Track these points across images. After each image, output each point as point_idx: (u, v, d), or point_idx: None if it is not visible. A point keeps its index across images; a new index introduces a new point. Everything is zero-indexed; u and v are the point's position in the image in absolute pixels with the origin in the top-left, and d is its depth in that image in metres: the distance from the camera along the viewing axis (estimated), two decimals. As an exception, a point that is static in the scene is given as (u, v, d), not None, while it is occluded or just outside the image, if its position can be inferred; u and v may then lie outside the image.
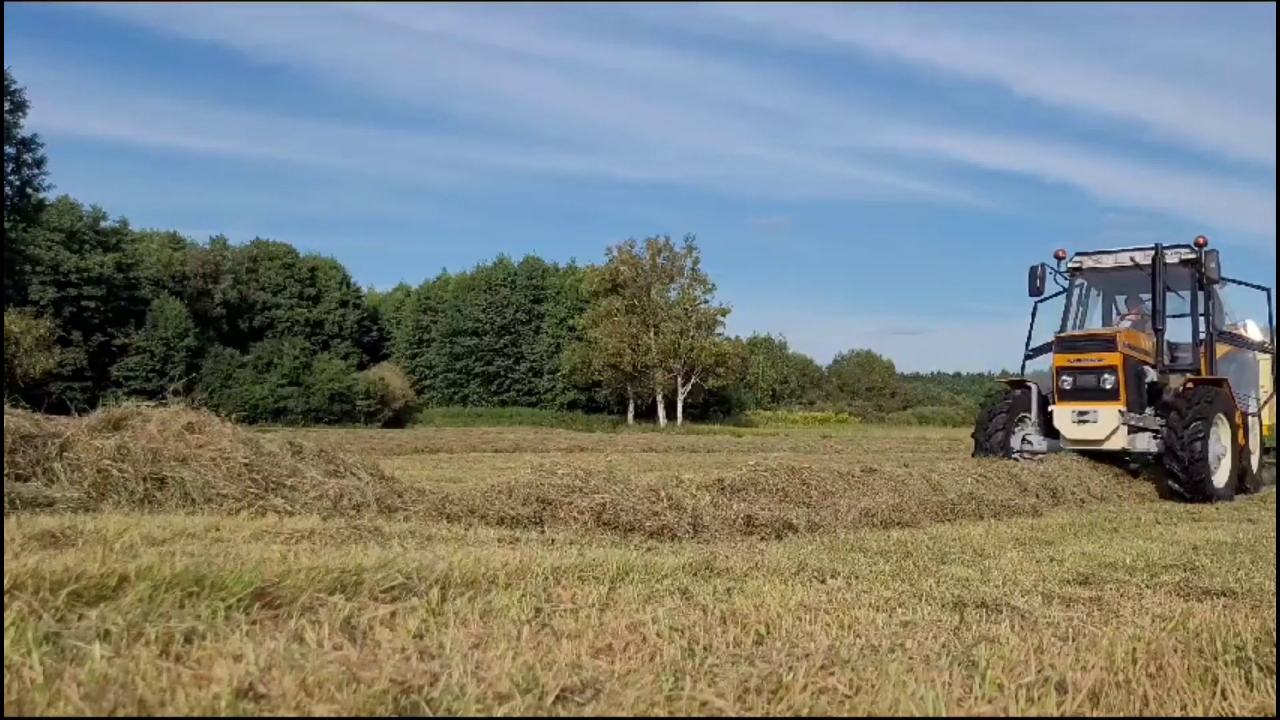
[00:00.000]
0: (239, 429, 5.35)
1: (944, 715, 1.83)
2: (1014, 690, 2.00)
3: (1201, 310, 11.82)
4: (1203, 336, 11.85)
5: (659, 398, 56.63)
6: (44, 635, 1.86)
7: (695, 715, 1.78)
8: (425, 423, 55.03)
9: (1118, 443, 10.56)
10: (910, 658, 2.25)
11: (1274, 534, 6.10)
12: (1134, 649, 2.33)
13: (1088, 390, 10.62)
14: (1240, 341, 12.26)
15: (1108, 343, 10.68)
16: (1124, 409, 10.52)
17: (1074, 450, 11.01)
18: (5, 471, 4.45)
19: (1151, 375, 11.11)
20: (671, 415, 56.23)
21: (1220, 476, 10.38)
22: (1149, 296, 11.74)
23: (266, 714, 1.62)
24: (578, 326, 60.91)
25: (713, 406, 59.88)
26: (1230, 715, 2.01)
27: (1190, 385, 10.86)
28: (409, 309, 73.79)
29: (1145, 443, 10.58)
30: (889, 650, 2.33)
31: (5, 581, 2.11)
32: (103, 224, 56.15)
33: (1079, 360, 10.71)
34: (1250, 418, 12.13)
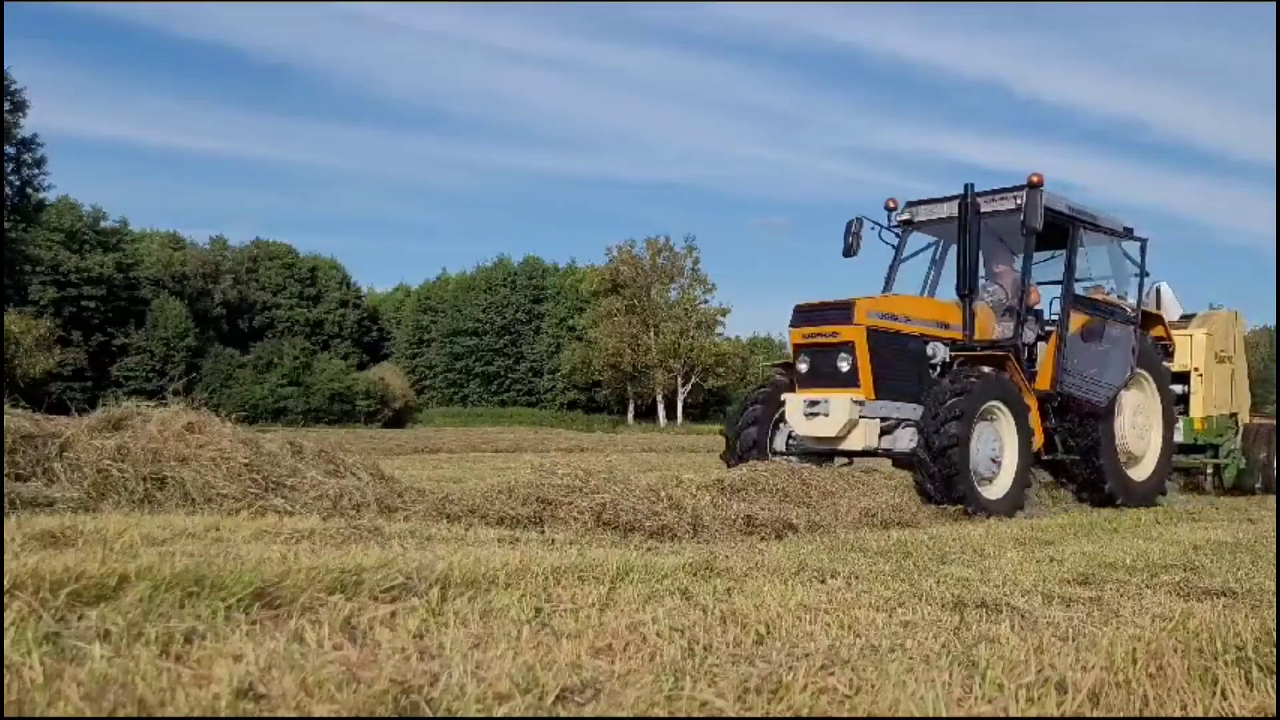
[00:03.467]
0: (239, 429, 5.35)
1: (944, 715, 1.83)
2: (1014, 690, 2.00)
3: (1061, 271, 9.42)
4: (1011, 304, 9.44)
5: (659, 398, 56.68)
6: (44, 635, 1.86)
7: (695, 715, 1.78)
8: (425, 423, 55.04)
9: (859, 440, 8.16)
10: (910, 658, 2.25)
11: (1274, 534, 6.11)
12: (1134, 649, 2.33)
13: (824, 374, 8.31)
14: (1106, 310, 9.66)
15: (843, 312, 8.23)
16: (861, 398, 8.09)
17: (814, 451, 8.67)
18: (5, 471, 4.45)
19: (942, 353, 8.65)
20: (671, 415, 56.27)
21: (997, 485, 8.04)
22: (1022, 254, 9.34)
23: (266, 714, 1.62)
24: (578, 326, 60.97)
25: (713, 406, 59.88)
26: (1230, 715, 2.01)
27: (960, 364, 8.48)
28: (409, 309, 73.83)
29: (909, 441, 8.20)
30: (889, 650, 2.33)
31: (5, 581, 2.11)
32: (103, 224, 56.18)
33: (816, 335, 8.39)
34: (1149, 411, 10.09)
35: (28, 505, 4.19)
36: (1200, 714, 2.01)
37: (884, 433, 8.37)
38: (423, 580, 2.66)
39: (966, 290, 8.71)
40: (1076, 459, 9.34)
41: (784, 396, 8.65)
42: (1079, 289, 9.50)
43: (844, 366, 8.18)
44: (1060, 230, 9.38)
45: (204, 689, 1.67)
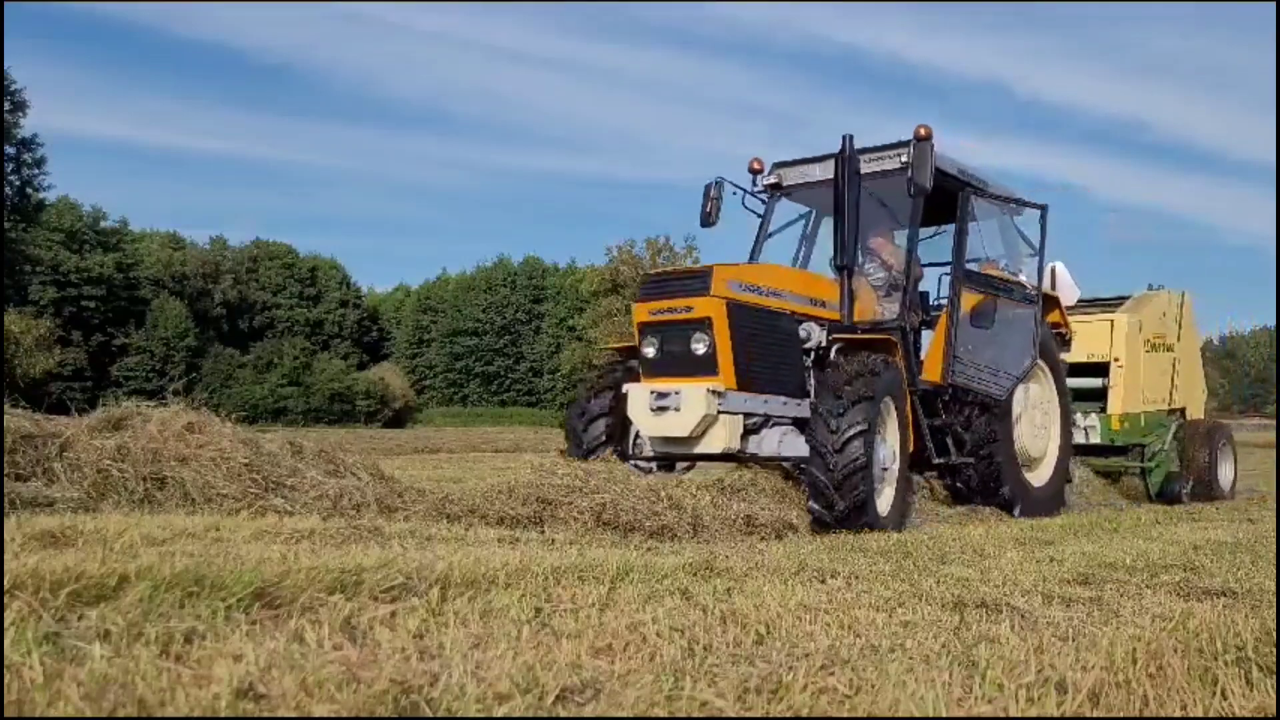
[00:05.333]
0: (239, 429, 5.35)
1: (944, 715, 1.83)
2: (1014, 690, 2.00)
3: (953, 246, 8.03)
4: (894, 281, 8.14)
5: (659, 398, 56.53)
6: (44, 635, 1.86)
7: (695, 715, 1.78)
8: (425, 423, 55.08)
9: (718, 441, 6.59)
10: (910, 658, 2.25)
11: (1274, 534, 6.10)
12: (1134, 649, 2.33)
13: (675, 359, 6.75)
14: (1003, 288, 8.31)
15: (698, 282, 6.70)
16: (721, 387, 6.54)
17: (663, 456, 7.15)
18: (5, 471, 4.45)
19: (817, 336, 7.15)
20: (671, 415, 56.12)
21: (884, 496, 6.66)
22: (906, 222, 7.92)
23: (266, 714, 1.62)
24: (578, 326, 60.98)
25: (713, 406, 59.78)
26: (1230, 715, 2.01)
27: (846, 350, 6.93)
28: (409, 309, 73.88)
29: (776, 444, 6.91)
30: (889, 650, 2.33)
31: (5, 581, 2.11)
32: (103, 224, 56.23)
33: (665, 311, 6.79)
34: (1050, 407, 8.85)
35: (28, 505, 4.19)
36: (1200, 714, 2.01)
37: (748, 431, 6.83)
38: (423, 580, 2.66)
39: (845, 262, 7.21)
40: (971, 461, 7.87)
41: (626, 388, 6.99)
42: (970, 265, 8.22)
43: (699, 349, 6.64)
44: (947, 198, 8.05)
45: (204, 689, 1.67)
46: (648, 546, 4.38)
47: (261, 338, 61.65)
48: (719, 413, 6.57)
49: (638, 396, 6.85)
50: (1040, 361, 8.74)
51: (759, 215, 8.72)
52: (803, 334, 7.18)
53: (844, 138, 7.23)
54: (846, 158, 7.16)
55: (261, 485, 4.90)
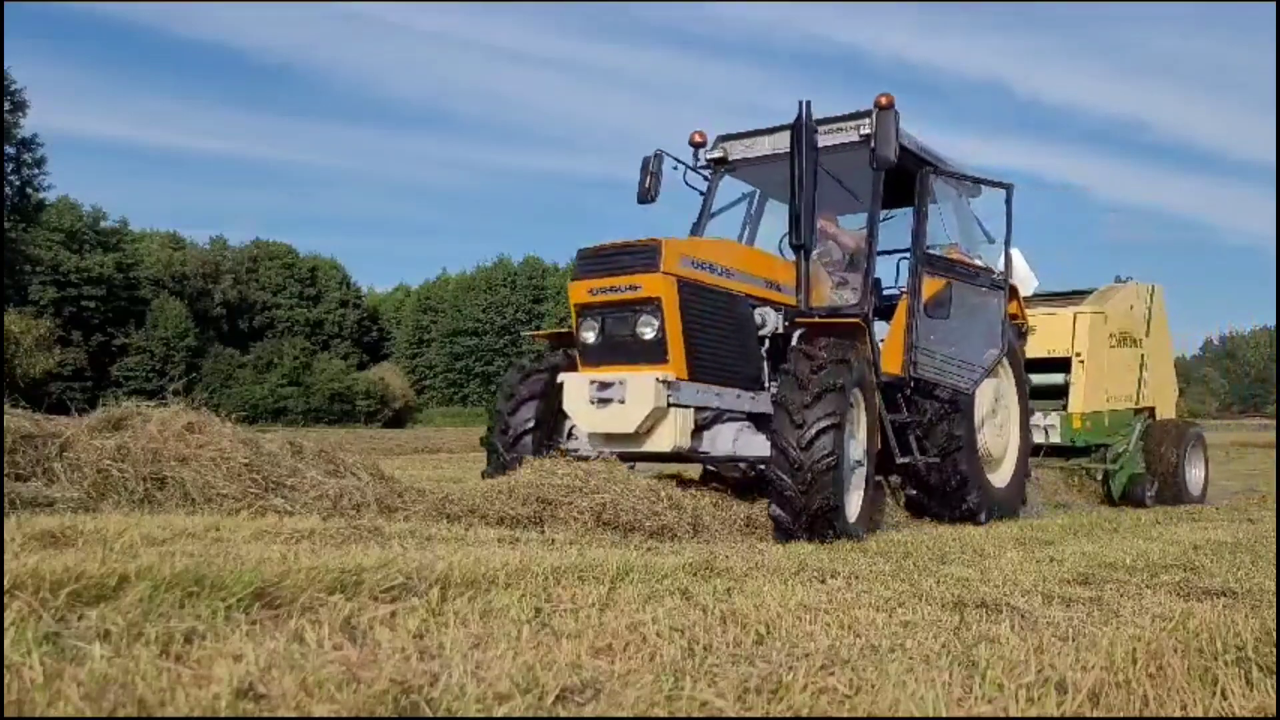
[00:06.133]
0: (239, 429, 5.35)
1: (944, 715, 1.83)
2: (1014, 690, 2.00)
3: (913, 226, 7.42)
4: (848, 265, 7.57)
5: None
6: (44, 635, 1.86)
7: (695, 715, 1.78)
8: (425, 423, 55.06)
9: (667, 438, 5.89)
10: (910, 658, 2.25)
11: (1274, 534, 6.10)
12: (1134, 649, 2.33)
13: (619, 345, 6.05)
14: (967, 273, 7.72)
15: (647, 257, 5.94)
16: (671, 376, 5.86)
17: (612, 454, 6.25)
18: (5, 471, 4.44)
19: (774, 322, 6.57)
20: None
21: (852, 500, 6.01)
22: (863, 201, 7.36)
23: (266, 714, 1.62)
24: (578, 326, 60.83)
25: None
26: (1230, 715, 2.01)
27: (808, 337, 6.24)
28: (409, 309, 73.89)
29: (731, 443, 6.23)
30: (889, 650, 2.33)
31: (5, 581, 2.11)
32: (103, 224, 56.26)
33: (608, 290, 6.06)
34: (1002, 402, 8.21)
35: (28, 505, 4.19)
36: (1200, 714, 2.01)
37: (699, 428, 6.15)
38: (423, 580, 2.66)
39: (803, 241, 6.25)
40: (935, 461, 7.22)
41: (562, 377, 6.28)
42: (932, 250, 7.59)
43: (647, 333, 5.92)
44: (903, 178, 7.46)
45: (204, 689, 1.67)
46: (648, 546, 4.38)
47: (261, 338, 61.66)
48: (669, 405, 5.88)
49: (576, 388, 6.12)
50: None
51: (701, 193, 8.03)
52: (758, 319, 6.57)
53: (801, 103, 6.29)
54: (804, 124, 6.20)
55: (261, 485, 4.90)
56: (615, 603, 2.73)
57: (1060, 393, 10.58)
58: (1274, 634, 2.51)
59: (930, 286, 7.41)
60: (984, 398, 7.88)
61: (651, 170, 7.89)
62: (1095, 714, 1.95)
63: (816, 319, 6.48)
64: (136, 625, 1.99)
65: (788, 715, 1.82)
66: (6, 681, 1.62)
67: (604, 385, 5.97)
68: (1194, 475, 11.14)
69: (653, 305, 5.92)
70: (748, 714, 1.81)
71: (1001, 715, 1.89)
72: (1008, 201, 7.82)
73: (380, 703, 1.68)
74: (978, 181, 8.04)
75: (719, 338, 6.31)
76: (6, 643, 1.78)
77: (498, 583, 2.80)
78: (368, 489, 5.21)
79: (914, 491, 7.52)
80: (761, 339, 6.62)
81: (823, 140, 6.93)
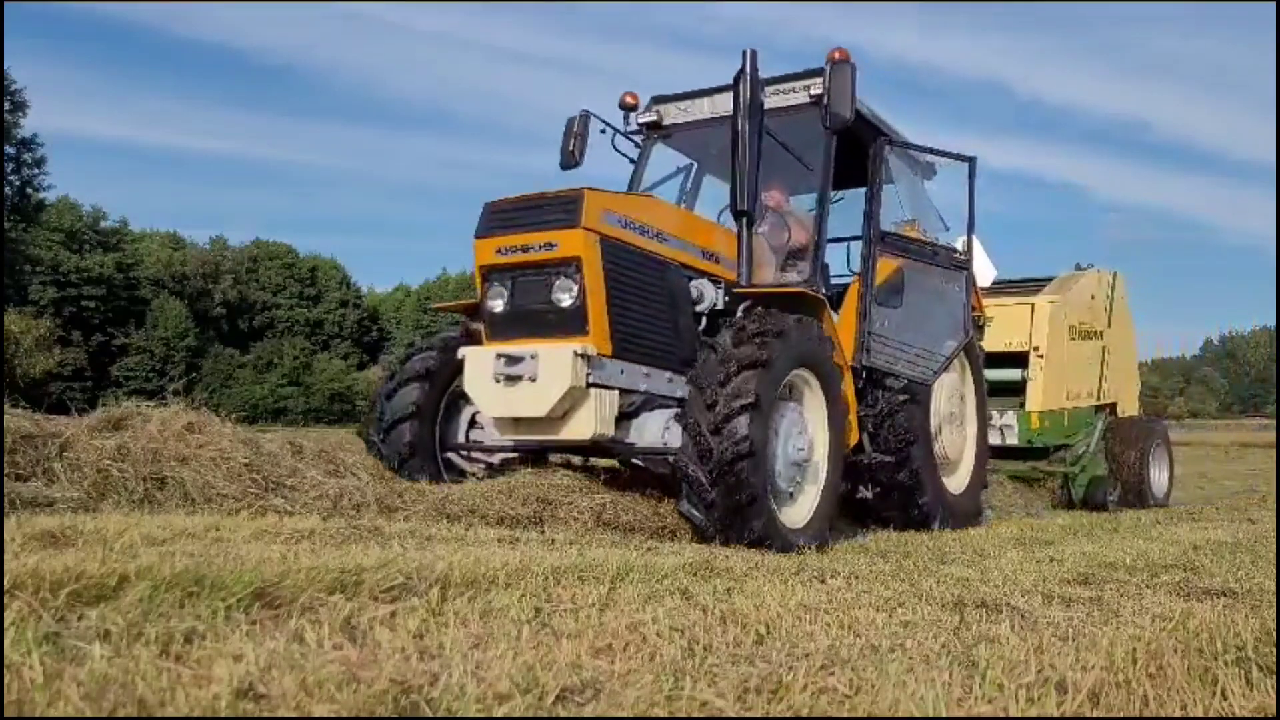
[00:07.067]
0: (239, 429, 5.35)
1: (944, 715, 1.83)
2: (1014, 690, 2.00)
3: (868, 200, 6.74)
4: (798, 242, 6.77)
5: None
6: (44, 635, 1.86)
7: (695, 715, 1.78)
8: (425, 423, 54.90)
9: (586, 425, 5.09)
10: (910, 658, 2.25)
11: (1274, 534, 6.10)
12: (1134, 649, 2.33)
13: (530, 314, 5.25)
14: (926, 253, 7.11)
15: (565, 210, 5.14)
16: (591, 349, 5.05)
17: (518, 449, 5.78)
18: (5, 471, 4.44)
19: (711, 297, 5.80)
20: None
21: (800, 503, 5.42)
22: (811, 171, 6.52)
23: (266, 714, 1.62)
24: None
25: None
26: (1230, 715, 2.01)
27: (748, 309, 5.54)
28: (409, 309, 73.87)
29: (660, 433, 5.40)
30: (889, 650, 2.33)
31: (5, 581, 2.11)
32: (103, 224, 56.28)
33: (519, 249, 5.24)
34: (961, 395, 7.47)
35: (28, 505, 4.19)
36: (1200, 714, 2.01)
37: (624, 415, 5.38)
38: (423, 580, 2.66)
39: (746, 207, 5.41)
40: (888, 461, 6.50)
41: (463, 352, 5.43)
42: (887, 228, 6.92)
43: (565, 300, 5.11)
44: (857, 151, 6.82)
45: (204, 689, 1.67)
46: (648, 546, 4.37)
47: (261, 338, 61.67)
48: (589, 385, 5.05)
49: (478, 363, 5.26)
50: None
51: (632, 161, 7.21)
52: (694, 293, 5.74)
53: (745, 53, 5.45)
54: (749, 75, 5.41)
55: (261, 485, 4.90)
56: (615, 603, 2.73)
57: (1017, 390, 9.88)
58: (1274, 634, 2.51)
59: (885, 267, 6.77)
60: (943, 394, 7.23)
61: (576, 132, 7.08)
62: (1095, 714, 1.95)
63: (762, 288, 5.72)
64: (136, 625, 1.99)
65: (788, 715, 1.82)
66: (6, 681, 1.62)
67: (512, 360, 5.10)
68: (1158, 476, 10.61)
69: (571, 267, 5.11)
70: (748, 714, 1.81)
71: (1001, 715, 1.89)
72: (970, 176, 7.19)
73: (380, 703, 1.68)
74: (937, 154, 7.37)
75: (649, 310, 5.50)
76: (6, 643, 1.78)
77: (498, 583, 2.80)
78: (368, 489, 5.20)
79: (865, 493, 6.83)
80: (697, 316, 5.81)
81: (771, 102, 6.27)
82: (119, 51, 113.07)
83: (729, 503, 4.75)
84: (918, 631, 2.60)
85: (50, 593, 2.11)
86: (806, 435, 5.44)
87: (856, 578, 3.62)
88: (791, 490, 5.38)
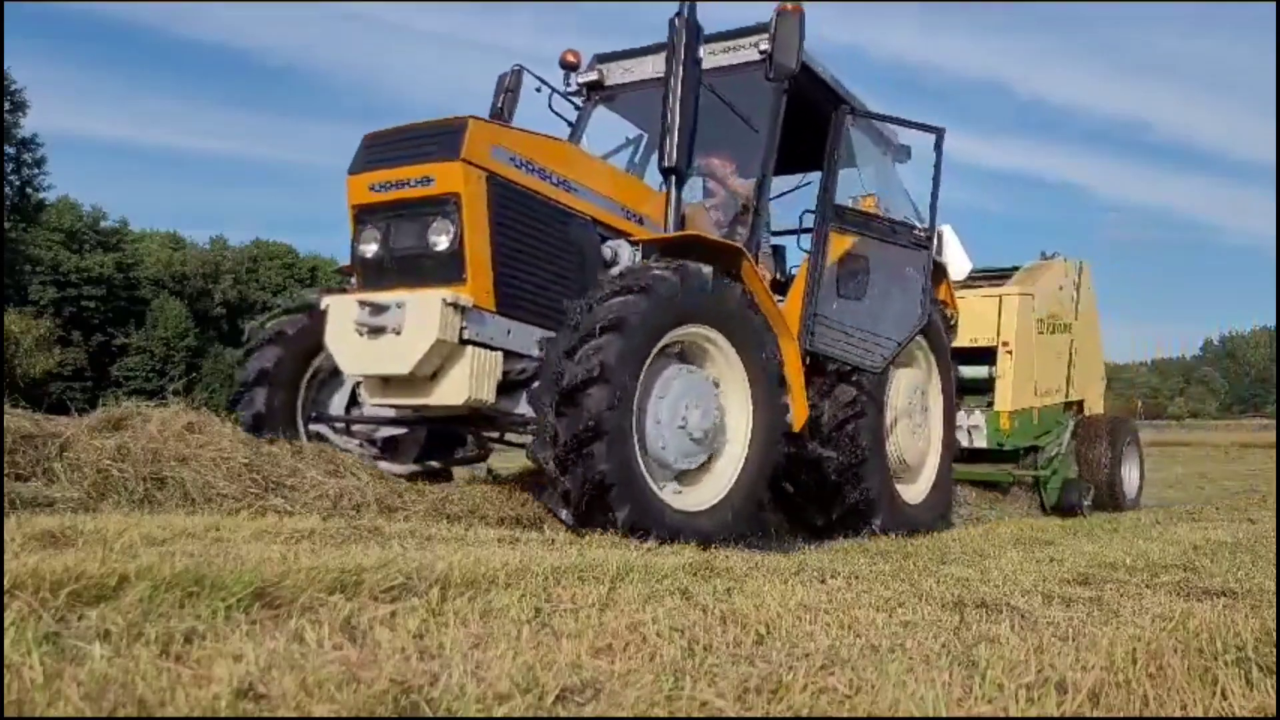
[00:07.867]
0: (239, 429, 5.36)
1: (944, 715, 1.83)
2: (1014, 690, 2.00)
3: (826, 172, 6.32)
4: (742, 204, 6.21)
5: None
6: (44, 635, 1.86)
7: (695, 715, 1.78)
8: (425, 423, 54.89)
9: (459, 388, 4.52)
10: (910, 658, 2.25)
11: (1274, 534, 6.10)
12: (1134, 649, 2.33)
13: (402, 259, 4.70)
14: (884, 229, 6.51)
15: (445, 140, 4.59)
16: (468, 300, 4.49)
17: (390, 419, 5.32)
18: (5, 471, 4.45)
19: (627, 259, 5.09)
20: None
21: (706, 486, 4.88)
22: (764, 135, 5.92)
23: (266, 714, 1.62)
24: (578, 326, 60.83)
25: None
26: (1230, 715, 2.01)
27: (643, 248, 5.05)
28: (409, 309, 73.84)
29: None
30: (889, 650, 2.33)
31: (5, 581, 2.11)
32: (103, 224, 56.30)
33: (393, 186, 4.68)
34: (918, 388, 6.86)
35: (28, 505, 4.19)
36: (1200, 714, 2.01)
37: (512, 385, 4.81)
38: (423, 580, 2.66)
39: (675, 164, 4.92)
40: (831, 458, 5.91)
41: (326, 301, 4.94)
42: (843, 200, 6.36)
43: (440, 243, 4.53)
44: (815, 124, 6.37)
45: (204, 689, 1.67)
46: (648, 546, 4.38)
47: (261, 338, 61.68)
48: (464, 341, 4.46)
49: (340, 313, 4.71)
50: (921, 340, 6.82)
51: (570, 124, 6.63)
52: (607, 253, 5.10)
53: (683, 4, 4.97)
54: (685, 23, 4.92)
55: (261, 485, 4.90)
56: (615, 603, 2.73)
57: (983, 388, 9.20)
58: (1274, 634, 2.51)
59: (838, 245, 6.24)
60: (900, 388, 6.61)
61: (508, 88, 6.46)
62: (1095, 714, 1.95)
63: (663, 237, 5.10)
64: (136, 625, 1.99)
65: (788, 715, 1.82)
66: (6, 681, 1.62)
67: (377, 309, 4.53)
68: (1129, 477, 10.15)
69: (449, 204, 4.51)
70: (748, 714, 1.81)
71: (1001, 715, 1.89)
72: (937, 149, 6.58)
73: (380, 703, 1.68)
74: (902, 123, 6.89)
75: (545, 265, 4.90)
76: (6, 643, 1.78)
77: (498, 583, 2.80)
78: (368, 489, 5.20)
79: (788, 489, 6.23)
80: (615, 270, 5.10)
81: (719, 60, 5.84)
82: (119, 51, 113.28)
83: (583, 492, 4.20)
84: (918, 631, 2.60)
85: (50, 593, 2.11)
86: (713, 405, 4.80)
87: (856, 578, 3.62)
88: (686, 466, 4.76)
